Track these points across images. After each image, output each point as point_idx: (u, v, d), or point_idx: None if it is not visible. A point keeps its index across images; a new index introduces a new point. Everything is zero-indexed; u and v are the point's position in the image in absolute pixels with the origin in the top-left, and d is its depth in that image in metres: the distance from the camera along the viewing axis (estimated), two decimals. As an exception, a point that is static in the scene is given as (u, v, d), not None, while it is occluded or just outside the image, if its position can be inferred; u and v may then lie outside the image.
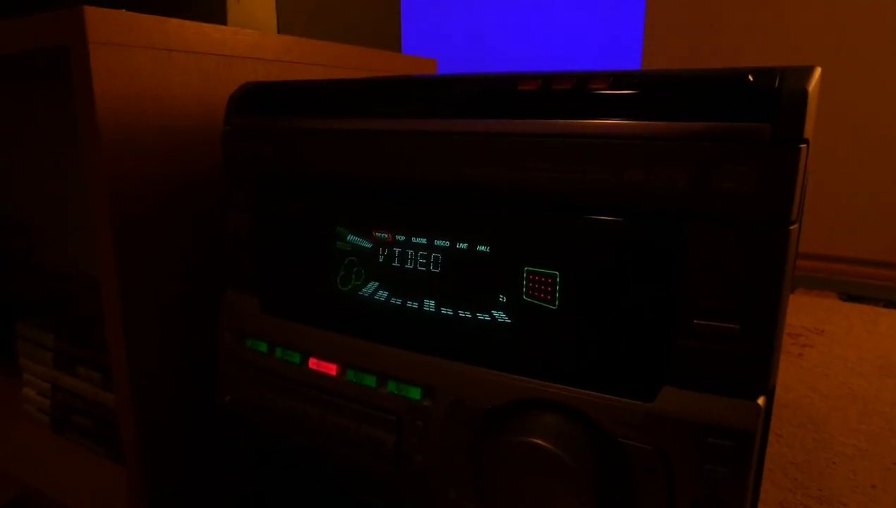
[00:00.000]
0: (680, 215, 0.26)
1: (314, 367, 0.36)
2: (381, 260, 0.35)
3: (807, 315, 0.98)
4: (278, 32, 0.66)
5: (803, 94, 0.24)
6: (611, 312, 0.28)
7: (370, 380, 0.34)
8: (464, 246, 0.32)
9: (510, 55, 1.62)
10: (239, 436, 0.42)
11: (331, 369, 0.36)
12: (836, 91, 1.27)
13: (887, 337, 0.87)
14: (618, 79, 0.27)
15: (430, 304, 0.33)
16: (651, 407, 0.27)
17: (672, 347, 0.27)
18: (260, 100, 0.39)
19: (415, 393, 0.33)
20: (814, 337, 0.88)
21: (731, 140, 0.24)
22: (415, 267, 0.34)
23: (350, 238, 0.36)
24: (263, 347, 0.38)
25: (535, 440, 0.28)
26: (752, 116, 0.24)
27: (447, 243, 0.32)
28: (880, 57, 1.28)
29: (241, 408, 0.40)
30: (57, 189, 0.98)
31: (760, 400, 0.26)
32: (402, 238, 0.34)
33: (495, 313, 0.32)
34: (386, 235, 0.35)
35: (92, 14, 0.39)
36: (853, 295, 1.10)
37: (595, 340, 0.29)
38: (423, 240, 0.33)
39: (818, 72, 0.25)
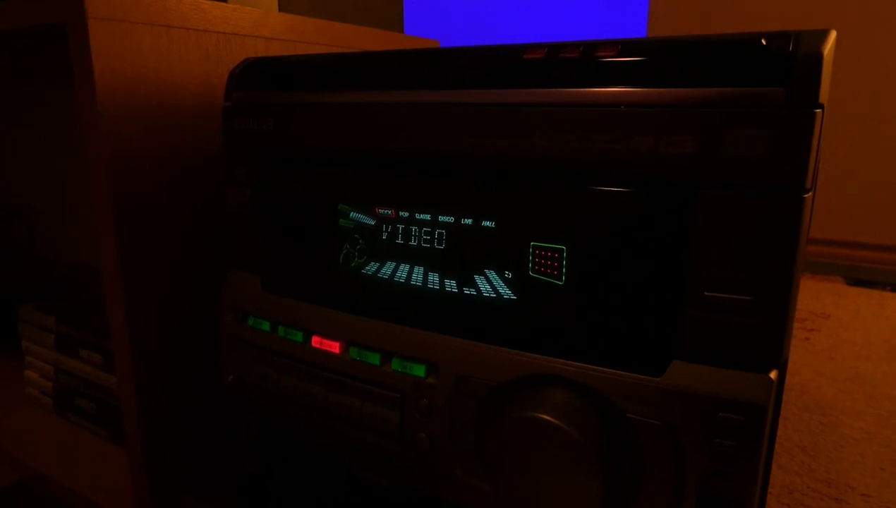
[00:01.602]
0: (690, 183, 0.25)
1: (317, 346, 0.36)
2: (384, 237, 0.34)
3: (813, 299, 0.97)
4: (279, 11, 0.66)
5: (818, 57, 0.23)
6: (619, 286, 0.28)
7: (374, 358, 0.34)
8: (468, 221, 0.32)
9: (513, 37, 1.60)
10: (242, 417, 0.42)
11: (334, 347, 0.35)
12: (836, 76, 1.25)
13: (894, 321, 0.86)
14: (626, 46, 0.27)
15: (434, 281, 0.33)
16: (660, 382, 0.27)
17: (682, 320, 0.26)
18: (261, 76, 0.38)
19: (419, 371, 0.32)
20: (820, 321, 0.87)
21: (744, 105, 0.24)
22: (419, 243, 0.33)
23: (353, 215, 0.35)
24: (266, 326, 0.38)
25: (541, 415, 0.28)
26: (765, 81, 0.23)
27: (451, 219, 0.32)
28: (882, 43, 1.26)
29: (244, 389, 0.40)
30: (57, 178, 0.98)
31: (772, 374, 0.25)
32: (406, 214, 0.33)
33: (501, 289, 0.31)
34: (389, 211, 0.34)
35: (89, -12, 0.39)
36: (859, 279, 1.09)
37: (603, 315, 0.28)
38: (427, 216, 0.33)
39: (833, 35, 0.24)
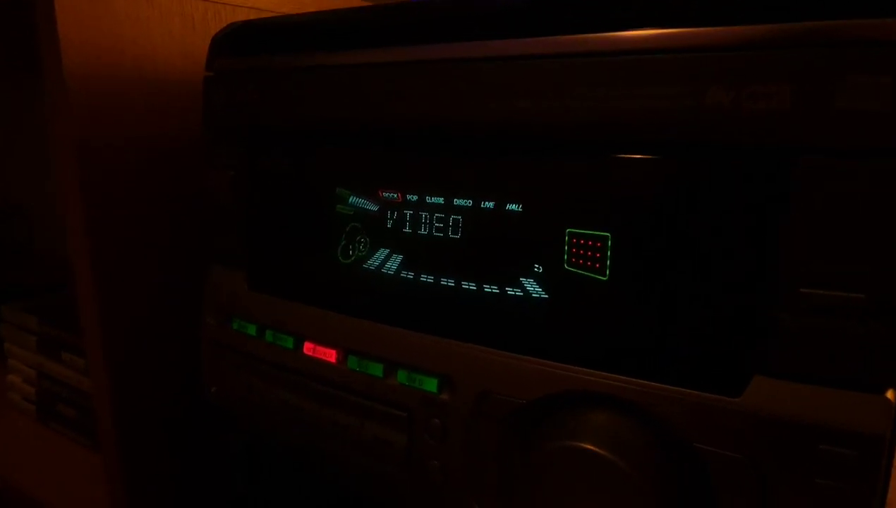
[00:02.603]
0: (784, 148, 0.19)
1: (310, 353, 0.31)
2: (389, 226, 0.29)
3: None
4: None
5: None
6: (680, 281, 0.22)
7: (376, 369, 0.28)
8: (489, 204, 0.26)
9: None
10: (227, 432, 0.37)
11: (329, 355, 0.30)
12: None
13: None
14: (693, -25, 0.21)
15: (448, 278, 0.28)
16: (739, 403, 0.21)
17: (767, 325, 0.21)
18: (248, 41, 0.33)
19: (430, 385, 0.27)
20: None
21: (858, 42, 0.18)
22: (430, 232, 0.28)
23: (352, 200, 0.30)
24: (251, 330, 0.33)
25: (584, 444, 0.22)
26: (888, 8, 0.18)
27: (469, 202, 0.27)
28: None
29: (228, 401, 0.35)
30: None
31: (890, 394, 0.19)
32: (414, 197, 0.28)
33: (529, 287, 0.26)
34: (395, 195, 0.29)
35: (51, -59, 0.34)
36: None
37: (659, 317, 0.23)
38: (440, 200, 0.28)
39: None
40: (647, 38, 0.21)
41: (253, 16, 0.46)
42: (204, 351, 0.36)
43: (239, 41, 0.33)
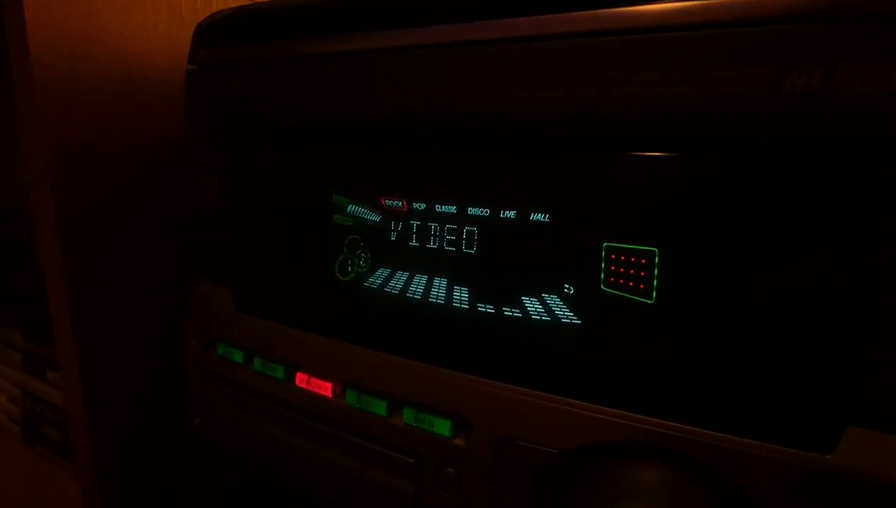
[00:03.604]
0: (886, 139, 0.15)
1: (302, 385, 0.27)
2: (393, 239, 0.26)
3: None
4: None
5: None
6: (748, 309, 0.18)
7: (378, 406, 0.25)
8: (511, 214, 0.23)
9: None
10: (215, 470, 0.33)
11: (324, 388, 0.26)
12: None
13: None
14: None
15: (462, 300, 0.24)
16: (830, 461, 0.17)
17: (865, 365, 0.16)
18: (235, 29, 0.29)
19: (442, 427, 0.23)
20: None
21: None
22: (441, 246, 0.25)
23: (351, 208, 0.27)
24: (238, 356, 0.29)
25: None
26: None
27: (486, 211, 0.23)
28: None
29: (214, 436, 0.31)
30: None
31: None
32: (422, 205, 0.25)
33: (559, 311, 0.22)
34: (399, 202, 0.25)
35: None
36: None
37: (720, 352, 0.19)
38: (452, 208, 0.24)
39: None
40: (712, 7, 0.17)
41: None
42: (187, 378, 0.32)
43: (225, 30, 0.30)
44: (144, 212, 0.37)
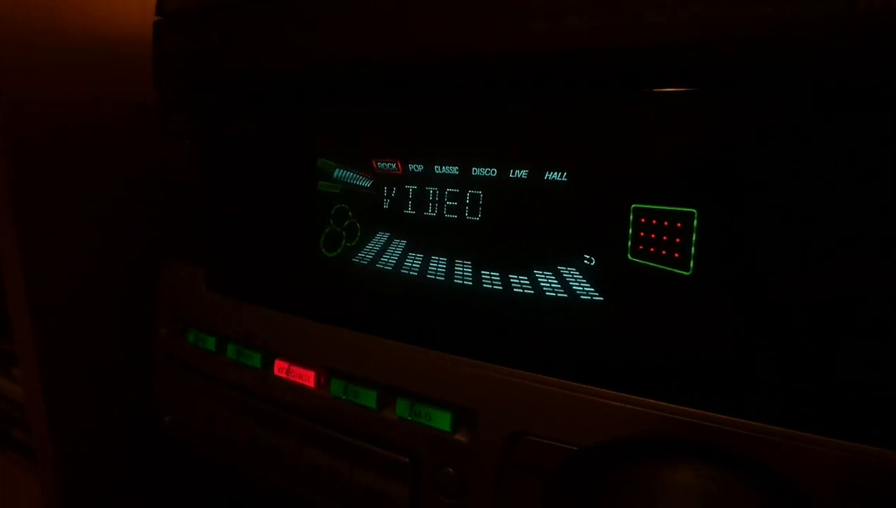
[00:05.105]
0: None
1: (281, 374, 0.24)
2: (386, 207, 0.23)
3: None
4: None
5: None
6: (805, 282, 0.16)
7: (368, 397, 0.22)
8: (522, 173, 0.20)
9: None
10: (189, 470, 0.30)
11: (306, 377, 0.24)
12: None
13: None
14: None
15: (465, 274, 0.22)
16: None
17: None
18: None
19: (442, 421, 0.21)
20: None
21: None
22: (440, 213, 0.22)
23: (338, 173, 0.24)
24: (210, 343, 0.26)
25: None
26: None
27: (493, 171, 0.21)
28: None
29: (186, 433, 0.28)
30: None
31: None
32: (420, 167, 0.22)
33: (577, 286, 0.19)
34: (394, 164, 0.22)
35: None
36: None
37: (770, 332, 0.17)
38: (455, 169, 0.21)
39: None
40: None
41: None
42: (157, 370, 0.29)
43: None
44: (108, 187, 0.34)
